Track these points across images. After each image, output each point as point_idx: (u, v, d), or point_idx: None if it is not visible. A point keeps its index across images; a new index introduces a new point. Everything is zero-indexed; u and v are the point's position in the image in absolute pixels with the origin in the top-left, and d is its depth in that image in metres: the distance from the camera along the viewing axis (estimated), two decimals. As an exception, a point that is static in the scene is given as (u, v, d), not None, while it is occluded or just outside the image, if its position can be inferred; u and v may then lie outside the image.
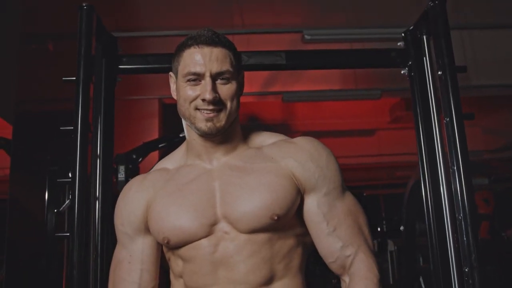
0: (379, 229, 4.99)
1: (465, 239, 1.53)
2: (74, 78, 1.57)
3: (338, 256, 1.32)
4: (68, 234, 1.49)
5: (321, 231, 1.33)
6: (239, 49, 1.41)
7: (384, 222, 5.13)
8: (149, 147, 3.46)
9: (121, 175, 3.14)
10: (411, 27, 1.84)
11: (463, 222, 1.54)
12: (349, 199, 1.38)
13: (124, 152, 3.31)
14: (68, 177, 1.54)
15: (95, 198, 1.66)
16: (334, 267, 1.35)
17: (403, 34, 1.86)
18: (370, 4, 4.86)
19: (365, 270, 1.30)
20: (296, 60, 1.87)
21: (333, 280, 5.75)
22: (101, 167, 1.71)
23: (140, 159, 3.31)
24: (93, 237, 1.60)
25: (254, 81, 4.99)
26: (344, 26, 4.73)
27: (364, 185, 8.41)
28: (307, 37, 4.48)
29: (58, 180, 1.55)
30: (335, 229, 1.32)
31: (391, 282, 4.93)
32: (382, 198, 8.96)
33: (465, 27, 5.13)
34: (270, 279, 1.29)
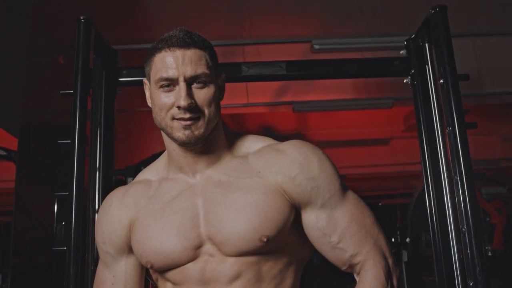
0: (393, 239, 4.91)
1: (469, 251, 1.49)
2: (72, 91, 1.58)
3: (348, 264, 1.27)
4: (65, 248, 1.50)
5: (325, 245, 1.26)
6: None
7: (398, 232, 5.05)
8: (158, 158, 3.45)
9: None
10: (413, 35, 1.82)
11: (466, 234, 1.50)
12: (349, 202, 1.28)
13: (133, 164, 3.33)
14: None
15: (94, 211, 1.66)
16: (347, 271, 1.29)
17: (405, 42, 1.84)
18: (380, 12, 4.82)
19: (370, 279, 1.24)
20: (297, 71, 1.85)
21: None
22: (100, 180, 1.71)
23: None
24: (92, 251, 1.59)
25: (266, 90, 4.95)
26: (354, 35, 4.69)
27: (380, 195, 8.30)
28: (316, 46, 4.45)
29: (55, 194, 1.54)
30: (339, 241, 1.25)
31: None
32: (398, 207, 8.85)
33: (479, 34, 5.05)
34: None
